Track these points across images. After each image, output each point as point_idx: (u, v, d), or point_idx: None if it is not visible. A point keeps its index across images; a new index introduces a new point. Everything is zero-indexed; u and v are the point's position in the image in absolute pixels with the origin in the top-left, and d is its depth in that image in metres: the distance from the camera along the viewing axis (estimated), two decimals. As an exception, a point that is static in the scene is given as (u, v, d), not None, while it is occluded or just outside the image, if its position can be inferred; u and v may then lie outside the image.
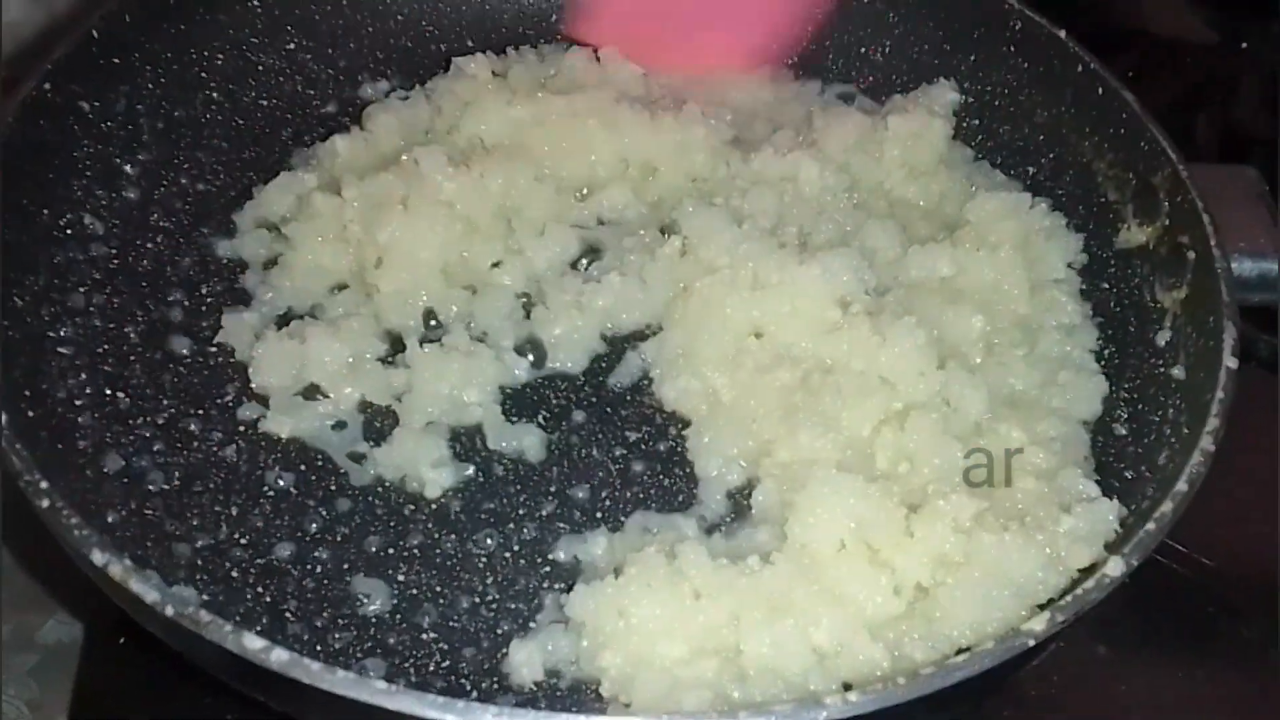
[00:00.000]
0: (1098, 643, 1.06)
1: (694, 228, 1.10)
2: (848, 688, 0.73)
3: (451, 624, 0.89)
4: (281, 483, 0.97)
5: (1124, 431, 1.02)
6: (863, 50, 1.34)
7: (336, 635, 0.88)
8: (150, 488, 0.95)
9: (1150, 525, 0.82)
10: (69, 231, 1.07)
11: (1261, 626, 1.08)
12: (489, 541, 0.95)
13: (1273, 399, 1.24)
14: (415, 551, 0.94)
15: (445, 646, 0.88)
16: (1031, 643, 0.74)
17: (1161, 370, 1.02)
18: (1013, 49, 1.24)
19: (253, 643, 0.68)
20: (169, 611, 0.70)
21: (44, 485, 0.76)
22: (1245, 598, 1.10)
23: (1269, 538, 1.14)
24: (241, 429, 1.00)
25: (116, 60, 1.13)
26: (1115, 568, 0.80)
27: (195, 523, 0.94)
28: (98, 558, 0.72)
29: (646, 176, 1.20)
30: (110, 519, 0.90)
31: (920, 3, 1.31)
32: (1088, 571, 0.80)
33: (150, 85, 1.17)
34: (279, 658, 0.68)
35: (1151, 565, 1.07)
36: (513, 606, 0.91)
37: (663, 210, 1.17)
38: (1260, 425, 1.18)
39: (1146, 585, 1.07)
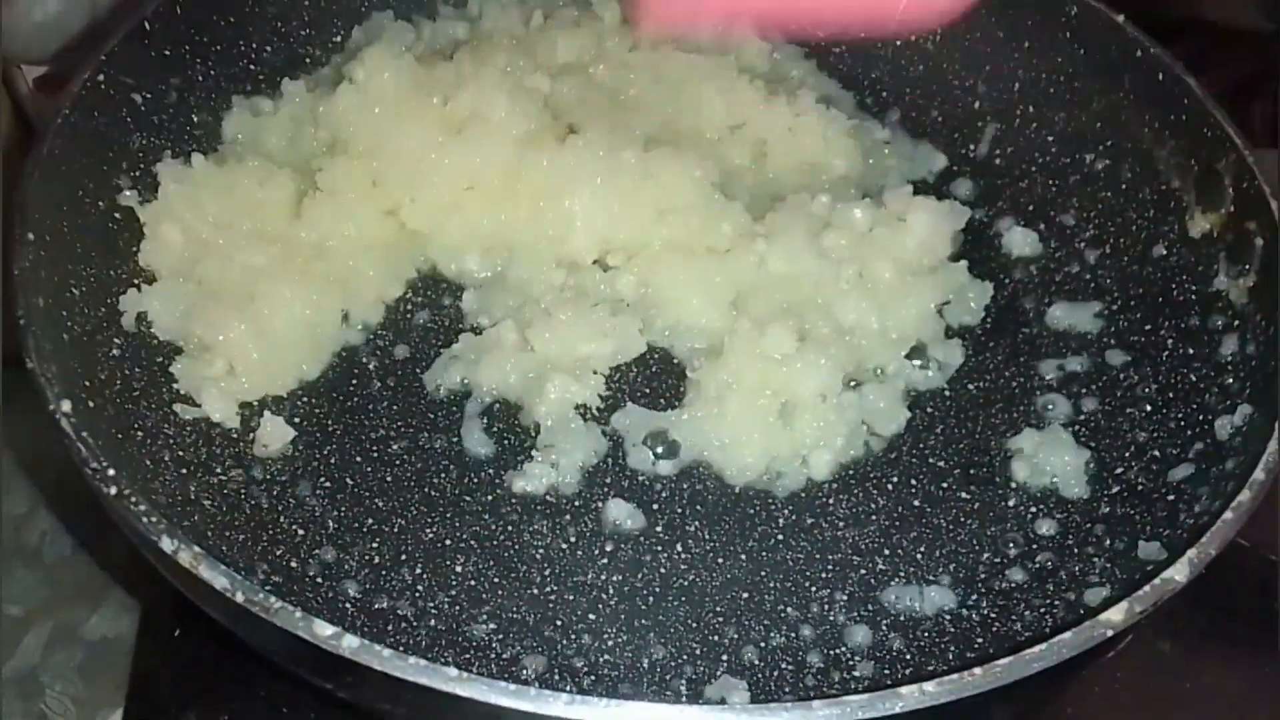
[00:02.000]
0: (1162, 639, 1.04)
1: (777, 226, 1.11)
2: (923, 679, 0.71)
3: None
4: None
5: (1193, 423, 1.00)
6: (914, 38, 1.32)
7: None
8: (210, 479, 0.95)
9: (1229, 514, 0.80)
10: (127, 224, 1.06)
11: (1327, 623, 1.06)
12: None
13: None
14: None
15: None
16: (1110, 633, 0.72)
17: (1230, 360, 1.00)
18: (1069, 35, 1.22)
19: (323, 629, 0.68)
20: (239, 598, 0.69)
21: (111, 472, 0.76)
22: (1311, 594, 1.08)
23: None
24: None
25: (168, 52, 1.13)
26: (1195, 556, 0.78)
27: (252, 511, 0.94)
28: (167, 544, 0.72)
29: (758, 154, 1.20)
30: (170, 504, 0.90)
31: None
32: (1165, 563, 0.78)
33: (201, 78, 1.17)
34: (350, 644, 0.67)
35: (1215, 561, 1.07)
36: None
37: (774, 188, 1.17)
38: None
39: (1211, 581, 1.07)
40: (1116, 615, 0.73)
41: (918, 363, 1.08)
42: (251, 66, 1.22)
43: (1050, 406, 1.05)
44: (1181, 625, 1.05)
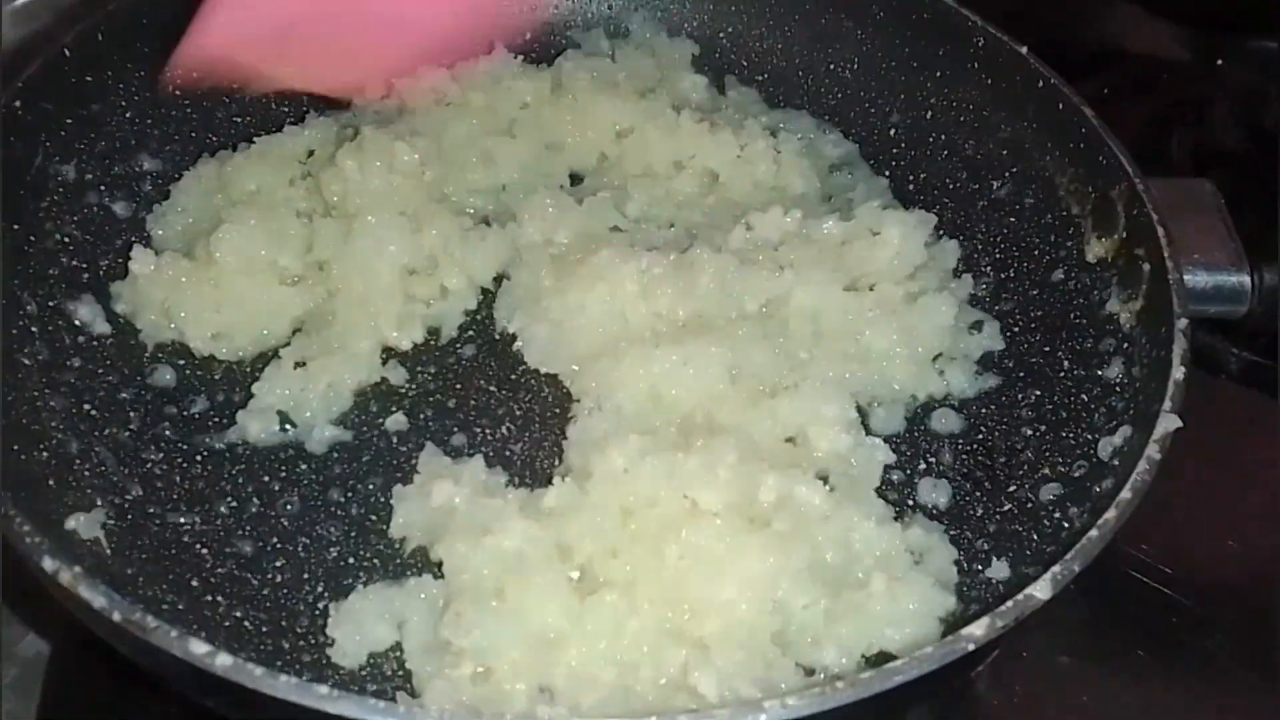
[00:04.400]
0: (1060, 652, 1.06)
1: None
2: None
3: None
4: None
5: (1076, 440, 1.02)
6: (831, 67, 1.36)
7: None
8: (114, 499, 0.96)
9: (1094, 532, 0.82)
10: (42, 248, 1.08)
11: (1223, 636, 1.08)
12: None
13: (1241, 410, 1.25)
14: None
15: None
16: (971, 647, 0.74)
17: (1117, 381, 1.03)
18: (977, 65, 1.26)
19: (198, 648, 0.69)
20: (116, 617, 0.71)
21: (-1, 491, 0.77)
22: (1208, 607, 1.10)
23: (1233, 547, 1.15)
24: (205, 439, 1.03)
25: (89, 78, 1.15)
26: (1059, 573, 0.80)
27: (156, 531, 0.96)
28: (48, 564, 0.73)
29: (709, 182, 1.24)
30: (70, 526, 0.90)
31: (888, 21, 1.33)
32: (1029, 579, 0.81)
33: (123, 103, 1.18)
34: (223, 662, 0.69)
35: (1114, 574, 1.10)
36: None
37: (733, 209, 1.21)
38: (1226, 435, 1.19)
39: (1109, 594, 1.10)
40: (978, 630, 0.75)
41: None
42: (176, 93, 1.23)
43: (944, 421, 1.08)
44: (1079, 637, 1.07)
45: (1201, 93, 1.60)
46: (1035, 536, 0.97)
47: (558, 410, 1.07)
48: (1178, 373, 0.92)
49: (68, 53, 1.12)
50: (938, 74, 1.29)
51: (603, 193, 1.20)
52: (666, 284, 1.08)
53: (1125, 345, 1.04)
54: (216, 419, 1.05)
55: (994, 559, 0.97)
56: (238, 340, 1.09)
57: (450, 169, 1.19)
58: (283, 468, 1.02)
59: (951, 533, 0.99)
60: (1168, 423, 0.89)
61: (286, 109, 1.29)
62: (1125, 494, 0.84)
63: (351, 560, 0.95)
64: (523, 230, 1.15)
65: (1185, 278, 1.01)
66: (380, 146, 1.14)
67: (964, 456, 1.05)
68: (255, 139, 1.21)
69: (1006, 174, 1.23)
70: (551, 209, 1.15)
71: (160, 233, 1.16)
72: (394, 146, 1.13)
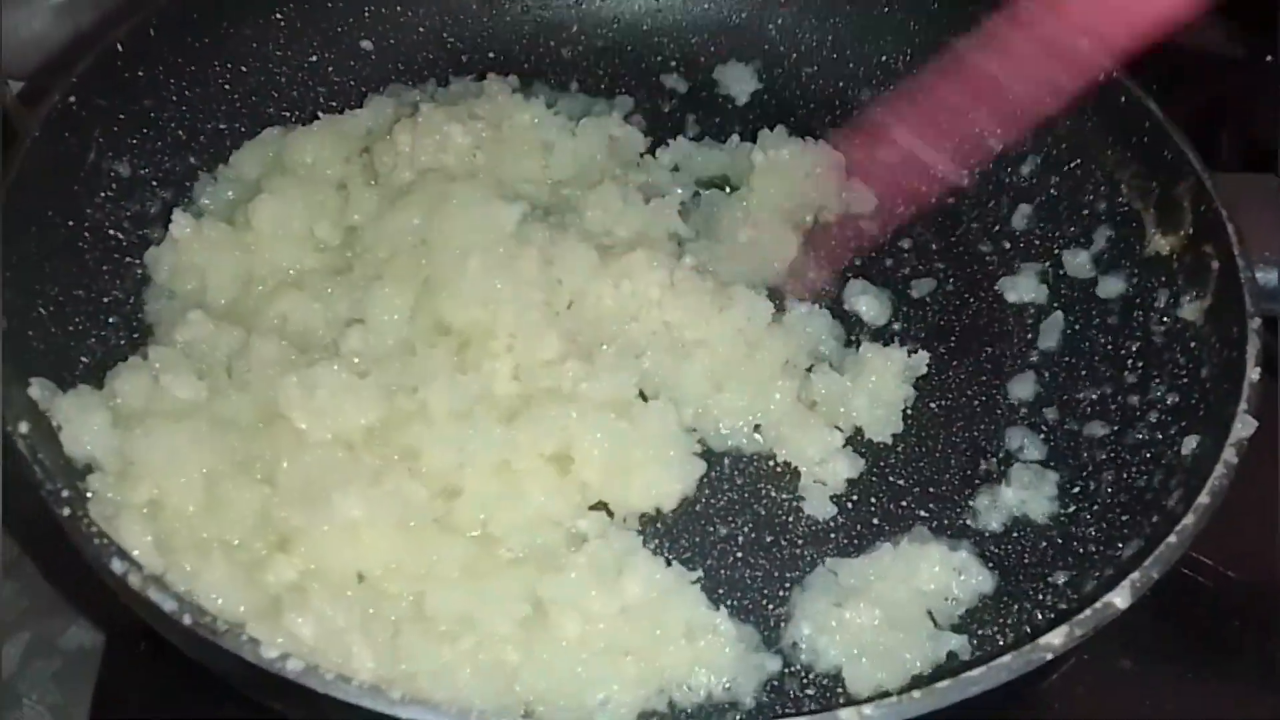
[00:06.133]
0: (1122, 656, 1.05)
1: None
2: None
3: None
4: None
5: (1152, 443, 1.00)
6: (884, 59, 1.34)
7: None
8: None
9: (1172, 538, 0.81)
10: (97, 244, 1.08)
11: (1287, 641, 1.07)
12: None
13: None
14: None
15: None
16: (1049, 656, 0.73)
17: (1185, 383, 1.01)
18: (1034, 57, 1.23)
19: (268, 652, 0.69)
20: (186, 620, 0.70)
21: (65, 494, 0.77)
22: (1271, 612, 1.08)
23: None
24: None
25: (141, 73, 1.14)
26: (1138, 580, 0.79)
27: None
28: (117, 566, 0.73)
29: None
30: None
31: (942, 12, 1.30)
32: (1109, 583, 0.79)
33: (174, 98, 1.18)
34: (294, 667, 0.68)
35: (1177, 578, 1.07)
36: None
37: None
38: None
39: (1172, 598, 1.07)
40: (1056, 639, 0.73)
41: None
42: (226, 87, 1.23)
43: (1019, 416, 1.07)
44: (1141, 641, 1.05)
45: (1252, 88, 1.57)
46: (1106, 539, 0.95)
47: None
48: (1253, 374, 0.91)
49: (120, 47, 1.12)
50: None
51: (671, 195, 1.19)
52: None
53: (1192, 344, 1.02)
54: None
55: (1060, 563, 0.96)
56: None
57: (505, 155, 1.17)
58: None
59: (1015, 535, 0.98)
60: (1244, 425, 0.87)
61: (337, 87, 1.29)
62: (1203, 499, 0.82)
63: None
64: (583, 219, 1.14)
65: (1256, 275, 0.99)
66: (435, 125, 1.13)
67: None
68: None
69: (1065, 168, 1.21)
70: (618, 201, 1.14)
71: (206, 201, 1.15)
72: (449, 127, 1.12)
